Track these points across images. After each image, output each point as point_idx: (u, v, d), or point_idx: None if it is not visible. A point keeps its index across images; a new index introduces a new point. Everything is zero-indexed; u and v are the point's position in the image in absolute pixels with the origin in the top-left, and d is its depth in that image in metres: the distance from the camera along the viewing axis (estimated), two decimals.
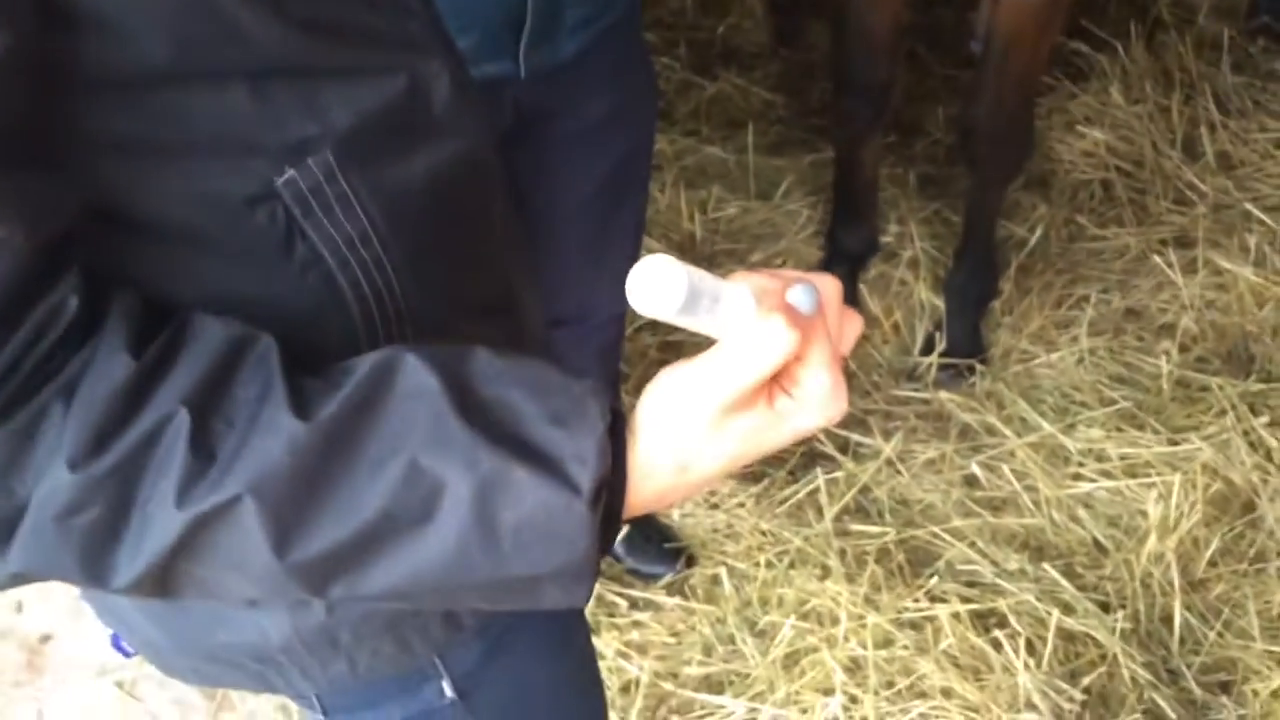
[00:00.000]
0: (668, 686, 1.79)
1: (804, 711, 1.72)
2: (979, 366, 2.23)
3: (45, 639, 1.88)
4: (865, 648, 1.76)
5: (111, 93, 0.61)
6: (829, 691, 1.73)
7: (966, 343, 2.27)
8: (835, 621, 1.80)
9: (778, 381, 0.65)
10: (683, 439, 0.65)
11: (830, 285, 0.68)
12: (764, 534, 1.96)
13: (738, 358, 0.63)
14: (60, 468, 0.58)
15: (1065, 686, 1.74)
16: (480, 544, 0.62)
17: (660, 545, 1.96)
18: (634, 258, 1.94)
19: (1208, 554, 1.90)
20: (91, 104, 0.61)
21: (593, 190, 1.75)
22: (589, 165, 1.65)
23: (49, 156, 0.60)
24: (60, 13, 0.58)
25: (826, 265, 2.37)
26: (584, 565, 0.64)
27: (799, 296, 0.65)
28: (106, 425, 0.58)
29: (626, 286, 0.61)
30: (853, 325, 0.70)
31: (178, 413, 0.59)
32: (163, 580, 0.62)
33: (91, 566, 0.61)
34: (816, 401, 0.64)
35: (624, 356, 2.01)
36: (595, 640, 1.76)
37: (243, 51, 0.64)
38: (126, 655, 0.97)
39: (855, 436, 2.12)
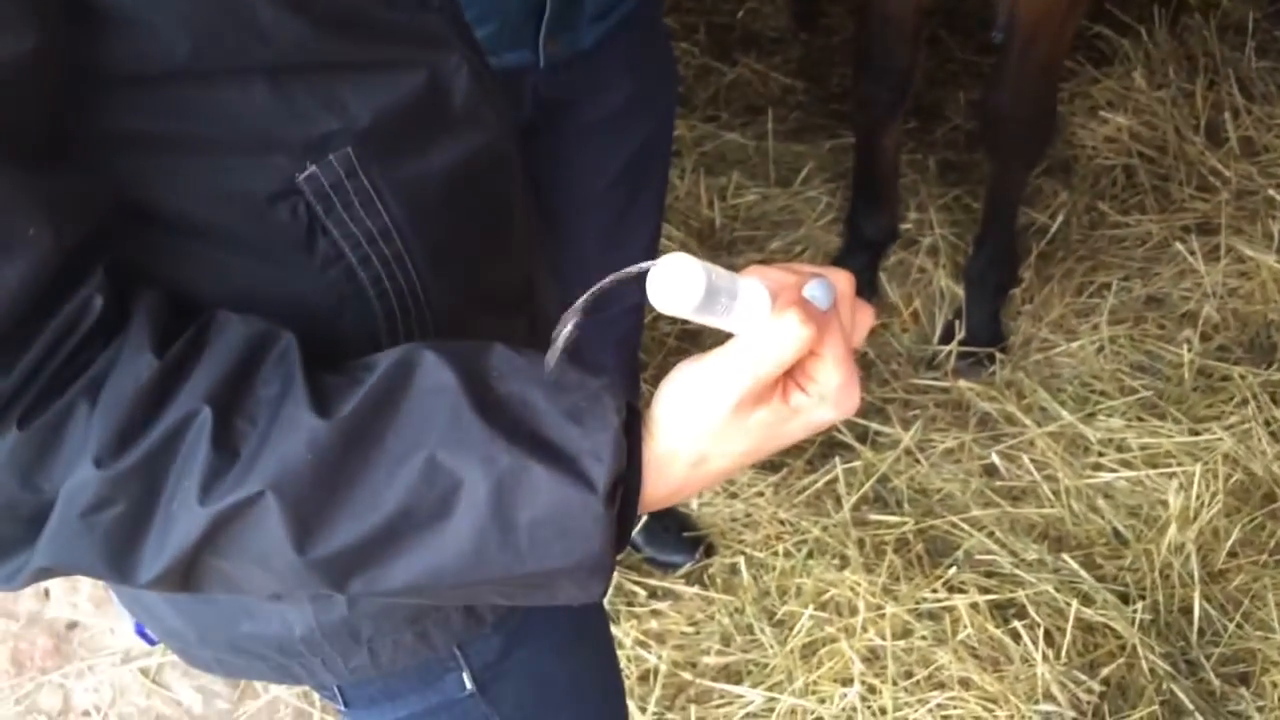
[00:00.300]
0: (686, 676, 1.80)
1: (822, 701, 1.73)
2: (999, 355, 2.22)
3: (72, 626, 1.90)
4: (884, 638, 1.76)
5: (135, 89, 0.62)
6: (847, 682, 1.74)
7: (986, 331, 2.26)
8: (854, 612, 1.80)
9: (792, 376, 0.65)
10: (699, 434, 0.65)
11: (844, 279, 0.68)
12: (782, 523, 1.96)
13: (754, 353, 0.63)
14: (86, 465, 0.59)
15: (1084, 677, 1.74)
16: (497, 540, 0.62)
17: (679, 534, 1.97)
18: (653, 246, 1.94)
19: (1228, 545, 1.89)
20: (115, 100, 0.62)
21: (612, 179, 1.75)
22: (608, 154, 1.64)
23: (78, 156, 0.61)
24: (84, 11, 0.59)
25: (845, 252, 2.36)
26: (600, 561, 0.64)
27: (815, 291, 0.65)
28: (131, 423, 0.59)
29: (646, 284, 0.61)
30: (865, 318, 0.70)
31: (201, 411, 0.60)
32: (186, 575, 0.63)
33: (117, 562, 0.62)
34: (831, 396, 0.65)
35: (642, 345, 2.01)
36: (614, 629, 1.77)
37: (263, 47, 0.64)
38: (151, 643, 0.98)
39: (874, 425, 2.11)
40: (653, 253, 1.95)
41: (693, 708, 1.76)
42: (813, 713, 1.72)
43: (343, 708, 0.93)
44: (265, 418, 0.61)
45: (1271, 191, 2.44)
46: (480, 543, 0.62)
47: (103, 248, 0.61)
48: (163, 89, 0.62)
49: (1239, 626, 1.82)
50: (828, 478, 2.01)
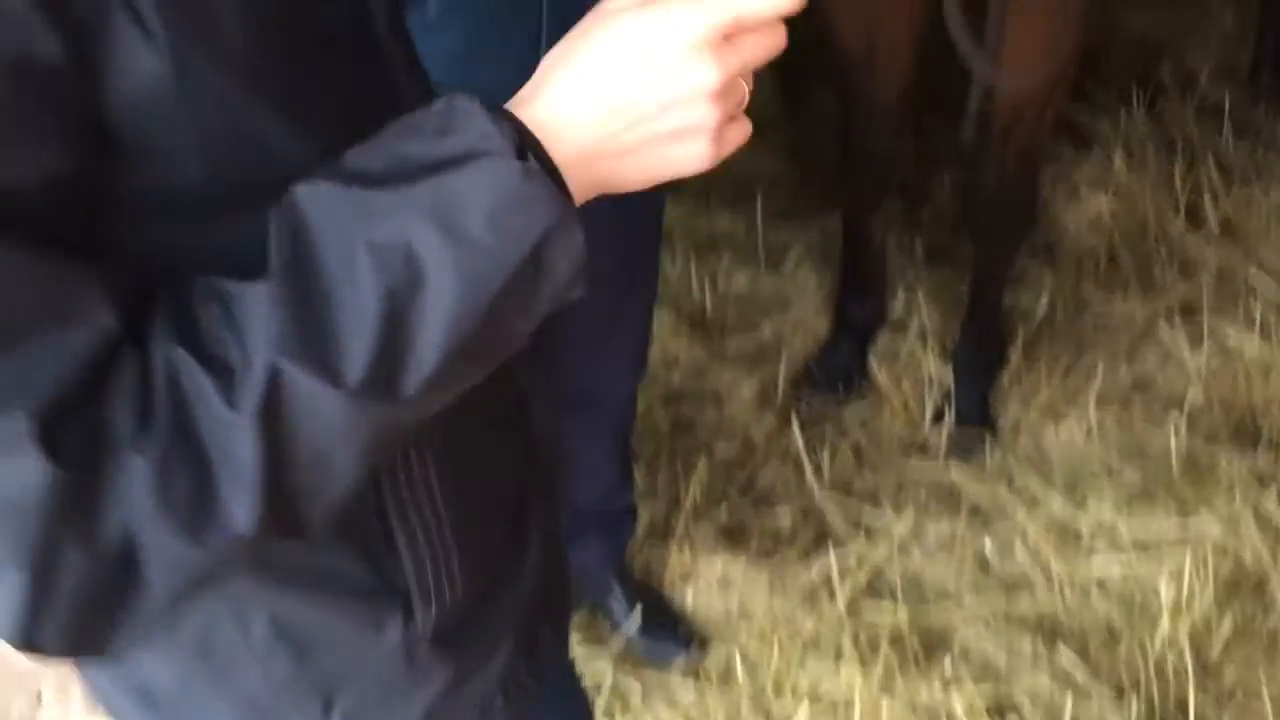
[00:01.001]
0: None
1: None
2: (989, 438, 2.24)
3: None
4: None
5: (153, 209, 0.65)
6: None
7: (976, 415, 2.28)
8: (850, 707, 1.80)
9: None
10: (589, 64, 0.67)
11: None
12: (777, 616, 1.97)
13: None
14: (134, 465, 0.60)
15: None
16: (475, 259, 0.64)
17: (673, 629, 1.97)
18: (645, 337, 1.96)
19: (1221, 636, 1.90)
20: (136, 217, 0.65)
21: (604, 273, 1.76)
22: (599, 247, 1.66)
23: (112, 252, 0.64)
24: (107, 141, 0.62)
25: (835, 338, 2.39)
26: (561, 212, 0.65)
27: None
28: (140, 403, 0.61)
29: None
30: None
31: (175, 353, 0.62)
32: (283, 507, 0.63)
33: (213, 527, 0.62)
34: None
35: (635, 435, 2.02)
36: None
37: (275, 170, 0.67)
38: None
39: (867, 509, 2.13)
40: (645, 345, 1.97)
41: None
42: None
43: None
44: (223, 323, 0.63)
45: (1252, 273, 2.49)
46: (464, 271, 0.63)
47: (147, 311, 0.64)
48: (177, 209, 0.66)
49: None
50: (821, 569, 2.02)
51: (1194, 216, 2.62)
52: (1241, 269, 2.49)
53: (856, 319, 2.38)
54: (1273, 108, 2.87)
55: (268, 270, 0.63)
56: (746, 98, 0.70)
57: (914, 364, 2.38)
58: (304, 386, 0.61)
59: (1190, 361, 2.32)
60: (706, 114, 0.67)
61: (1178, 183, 2.65)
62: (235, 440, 0.61)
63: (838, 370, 2.34)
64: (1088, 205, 2.62)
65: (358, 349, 0.62)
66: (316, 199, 0.64)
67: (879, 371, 2.38)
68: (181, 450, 0.60)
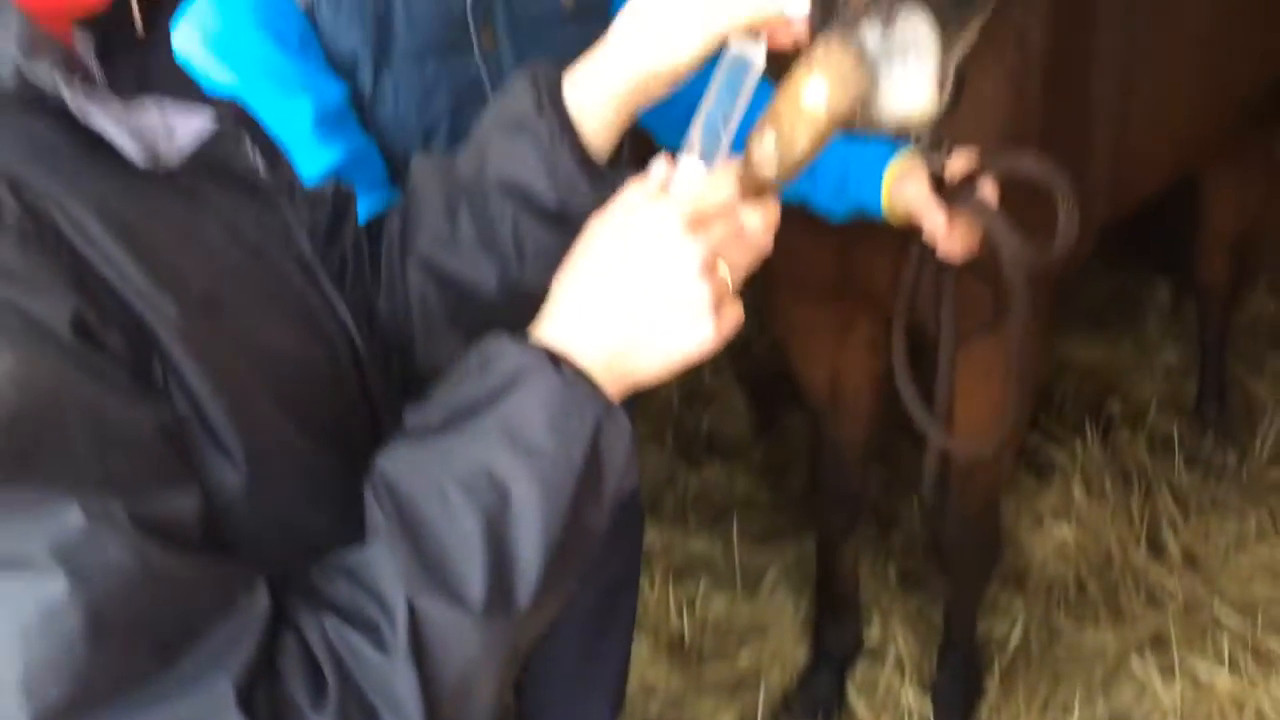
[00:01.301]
0: None
1: None
2: None
3: None
4: None
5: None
6: None
7: None
8: None
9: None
10: (572, 279, 0.80)
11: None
12: None
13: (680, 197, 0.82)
14: None
15: None
16: (546, 465, 0.73)
17: None
18: (624, 673, 1.97)
19: None
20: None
21: (582, 620, 1.82)
22: (578, 596, 1.72)
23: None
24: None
25: (812, 669, 2.40)
26: (606, 405, 0.75)
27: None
28: (309, 668, 0.69)
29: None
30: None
31: (325, 621, 0.70)
32: None
33: None
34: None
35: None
36: None
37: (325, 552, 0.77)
38: None
39: None
40: (624, 680, 1.98)
41: None
42: None
43: None
44: (354, 588, 0.72)
45: (1216, 603, 2.53)
46: (541, 479, 0.73)
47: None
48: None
49: None
50: None
51: (1156, 546, 2.69)
52: (1206, 601, 2.55)
53: (834, 648, 2.40)
54: (1221, 438, 3.00)
55: (373, 533, 0.73)
56: (729, 281, 0.80)
57: (892, 695, 2.38)
58: (440, 616, 0.71)
59: (1165, 696, 2.33)
60: (698, 290, 0.78)
61: (1135, 513, 2.75)
62: (394, 681, 0.69)
63: (817, 701, 2.34)
64: (1052, 534, 2.71)
65: (474, 574, 0.72)
66: (399, 462, 0.75)
67: (858, 702, 2.37)
68: (353, 706, 0.69)
